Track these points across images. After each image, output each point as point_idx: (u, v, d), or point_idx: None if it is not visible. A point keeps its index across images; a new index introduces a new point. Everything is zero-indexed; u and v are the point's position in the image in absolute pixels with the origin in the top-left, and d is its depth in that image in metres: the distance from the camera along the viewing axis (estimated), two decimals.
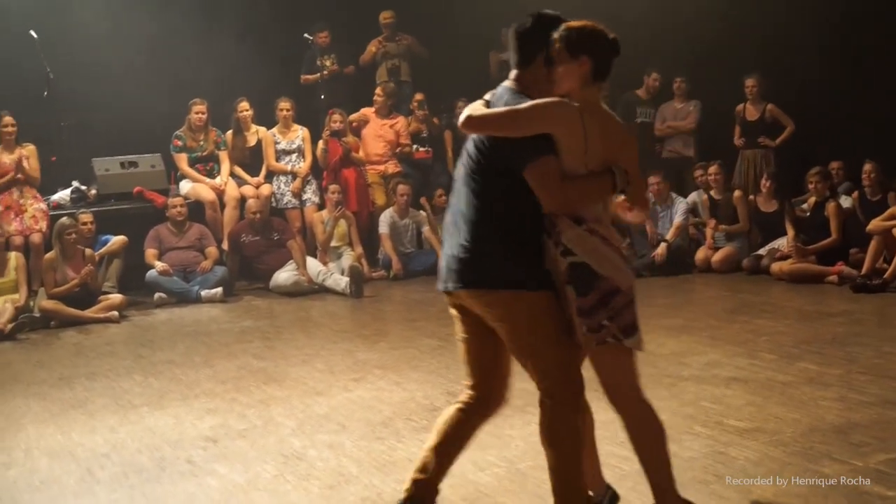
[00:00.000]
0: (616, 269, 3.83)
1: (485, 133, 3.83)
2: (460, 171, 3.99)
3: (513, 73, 3.97)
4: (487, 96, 3.98)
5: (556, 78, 3.84)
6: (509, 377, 4.10)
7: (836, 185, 10.59)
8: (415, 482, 4.07)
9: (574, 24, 3.87)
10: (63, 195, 11.00)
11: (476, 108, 3.88)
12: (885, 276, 8.98)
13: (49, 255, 9.72)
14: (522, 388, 6.02)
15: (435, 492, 4.11)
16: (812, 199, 10.09)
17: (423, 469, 4.07)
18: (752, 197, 10.87)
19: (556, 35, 3.82)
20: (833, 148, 11.14)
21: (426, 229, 11.29)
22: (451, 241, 3.94)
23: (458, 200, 3.95)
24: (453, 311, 4.04)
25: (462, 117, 3.85)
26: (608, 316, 3.78)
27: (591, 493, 4.17)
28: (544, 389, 3.88)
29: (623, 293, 3.81)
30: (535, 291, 3.81)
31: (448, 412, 4.09)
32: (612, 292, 3.78)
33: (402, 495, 4.09)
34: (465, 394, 4.07)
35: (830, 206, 9.85)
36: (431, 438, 4.10)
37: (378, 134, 11.90)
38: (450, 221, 4.00)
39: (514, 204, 3.83)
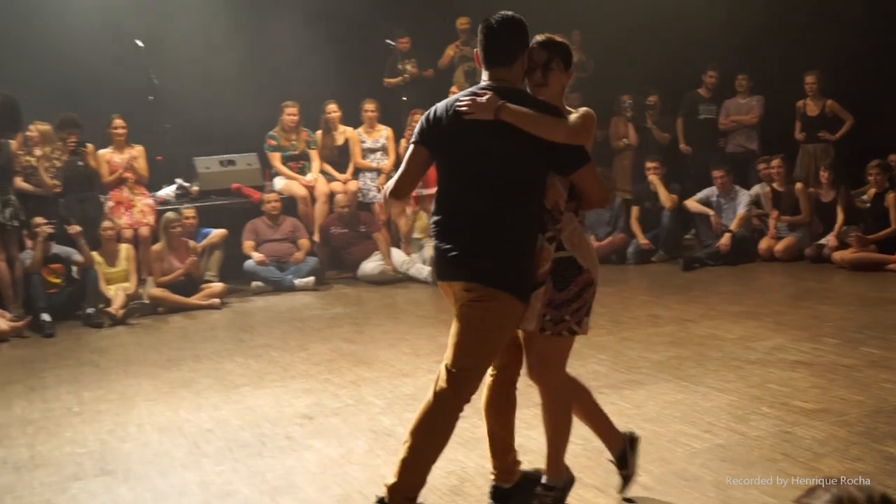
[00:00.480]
0: (594, 264, 3.95)
1: (546, 136, 3.73)
2: (478, 171, 3.82)
3: (492, 73, 3.91)
4: (476, 90, 3.85)
5: (549, 83, 3.88)
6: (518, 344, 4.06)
7: (894, 177, 10.34)
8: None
9: (559, 38, 3.97)
10: (168, 191, 11.15)
11: (524, 110, 3.74)
12: None
13: (156, 246, 9.88)
14: (595, 370, 6.02)
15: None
16: (871, 191, 9.89)
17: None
18: (812, 189, 10.67)
19: (548, 48, 3.90)
20: (892, 141, 10.89)
21: None
22: (463, 238, 3.83)
23: (475, 200, 3.82)
24: (450, 296, 3.96)
25: (512, 113, 3.71)
26: (573, 310, 3.85)
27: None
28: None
29: (594, 285, 3.91)
30: (523, 304, 3.82)
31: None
32: (588, 284, 3.88)
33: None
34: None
35: (890, 197, 9.65)
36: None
37: None
38: (461, 216, 3.86)
39: (534, 208, 3.83)
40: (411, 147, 4.01)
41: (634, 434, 4.31)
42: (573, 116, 3.81)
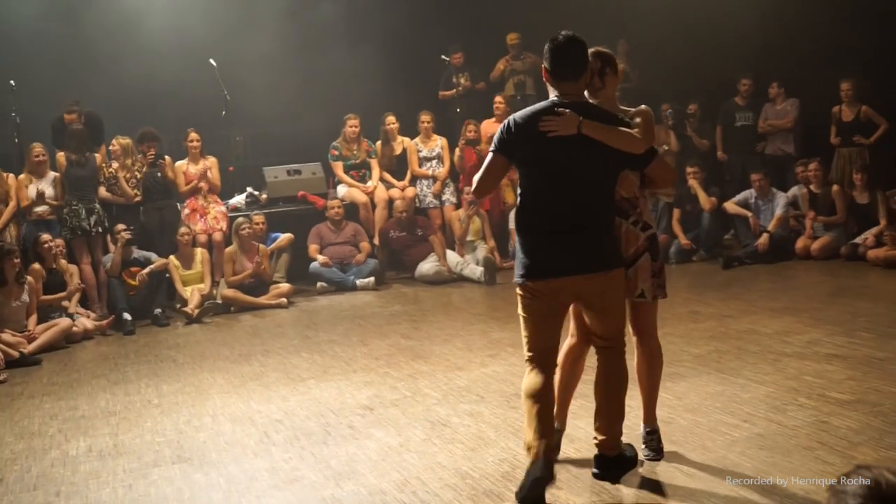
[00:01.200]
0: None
1: (626, 149, 4.08)
2: (563, 165, 4.08)
3: (560, 87, 4.17)
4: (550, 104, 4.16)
5: (605, 87, 4.27)
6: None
7: None
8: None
9: (604, 49, 4.35)
10: (239, 199, 11.26)
11: (607, 127, 4.07)
12: None
13: (229, 249, 9.97)
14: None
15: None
16: None
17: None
18: (848, 191, 10.48)
19: (600, 57, 4.28)
20: None
21: None
22: (571, 228, 4.08)
23: (575, 196, 4.09)
24: (547, 297, 4.15)
25: (592, 129, 4.03)
26: (665, 276, 4.39)
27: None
28: (616, 339, 4.27)
29: (664, 256, 4.35)
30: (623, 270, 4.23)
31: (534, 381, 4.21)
32: (664, 255, 4.24)
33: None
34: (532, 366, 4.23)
35: None
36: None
37: None
38: (566, 217, 4.10)
39: (613, 198, 4.22)
40: (491, 155, 4.25)
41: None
42: (637, 120, 4.16)
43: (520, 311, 4.26)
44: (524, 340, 4.26)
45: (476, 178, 4.30)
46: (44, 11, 11.38)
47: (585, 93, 4.24)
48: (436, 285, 10.33)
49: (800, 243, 10.35)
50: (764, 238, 10.24)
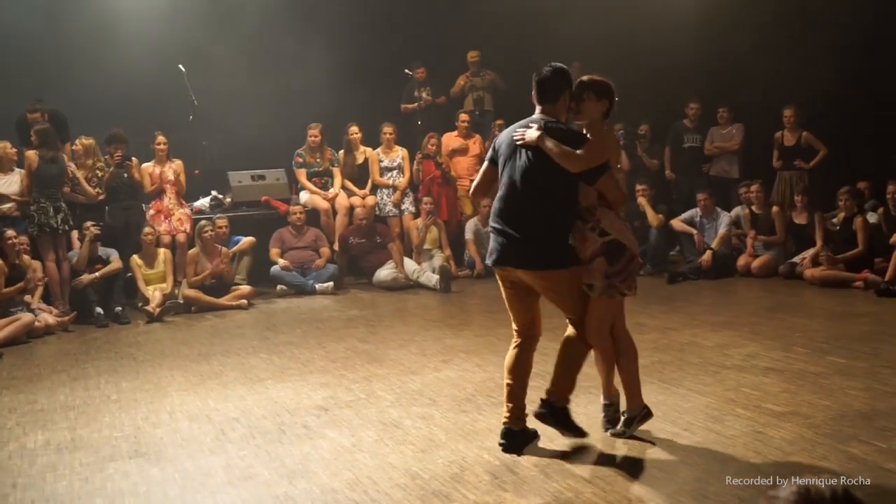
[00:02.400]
0: (634, 243, 4.81)
1: (566, 166, 4.51)
2: (522, 170, 4.62)
3: (542, 108, 4.73)
4: (530, 122, 4.72)
5: (583, 110, 4.70)
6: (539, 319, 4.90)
7: (863, 202, 10.29)
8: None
9: (595, 77, 4.75)
10: (203, 202, 11.16)
11: (556, 144, 4.53)
12: None
13: (191, 251, 9.87)
14: (585, 372, 5.99)
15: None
16: (841, 215, 9.82)
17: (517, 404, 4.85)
18: (788, 212, 10.65)
19: (581, 85, 4.71)
20: (862, 169, 10.86)
21: None
22: (515, 226, 4.62)
23: (523, 199, 4.61)
24: (503, 281, 4.80)
25: (545, 144, 4.54)
26: (622, 278, 4.68)
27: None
28: (575, 324, 4.80)
29: (636, 259, 4.81)
30: (571, 269, 4.65)
31: (510, 356, 4.85)
32: (632, 258, 4.73)
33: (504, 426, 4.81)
34: (515, 338, 4.87)
35: (858, 221, 9.59)
36: (507, 379, 4.85)
37: (462, 151, 11.87)
38: (512, 208, 4.66)
39: (569, 202, 4.63)
40: (485, 164, 4.96)
41: (650, 410, 4.95)
42: (589, 141, 4.58)
43: None
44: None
45: (474, 183, 5.04)
46: (14, 11, 11.19)
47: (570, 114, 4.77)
48: (393, 291, 10.30)
49: (741, 261, 10.48)
50: (707, 255, 10.36)
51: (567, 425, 4.86)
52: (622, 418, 4.95)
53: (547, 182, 4.59)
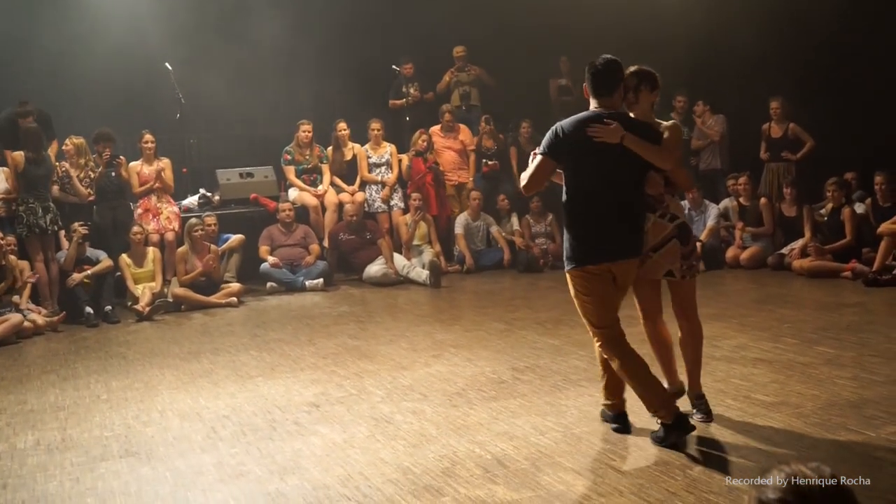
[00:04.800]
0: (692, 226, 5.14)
1: (658, 164, 4.66)
2: (611, 167, 4.63)
3: (599, 101, 4.72)
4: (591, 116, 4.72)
5: (639, 101, 4.77)
6: None
7: (851, 193, 10.35)
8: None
9: (646, 68, 4.84)
10: (192, 200, 11.13)
11: (644, 143, 4.64)
12: (895, 272, 8.74)
13: (180, 249, 9.85)
14: (576, 366, 6.00)
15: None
16: (829, 206, 9.87)
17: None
18: (777, 203, 10.68)
19: (637, 75, 4.79)
20: (849, 160, 10.90)
21: (494, 229, 11.28)
22: (622, 224, 4.68)
23: (617, 194, 4.66)
24: (598, 274, 4.69)
25: (632, 142, 4.61)
26: (696, 257, 4.95)
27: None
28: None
29: (696, 240, 4.85)
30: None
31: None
32: (695, 240, 4.98)
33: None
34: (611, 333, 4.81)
35: (846, 212, 9.64)
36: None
37: (447, 146, 11.90)
38: (611, 211, 4.66)
39: (642, 193, 4.76)
40: (540, 157, 4.77)
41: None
42: (665, 135, 4.73)
43: (577, 293, 4.77)
44: (591, 320, 4.76)
45: (525, 176, 4.85)
46: None
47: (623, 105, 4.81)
48: (383, 287, 10.30)
49: (730, 253, 10.52)
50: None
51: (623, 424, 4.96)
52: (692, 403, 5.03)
53: (631, 176, 4.68)
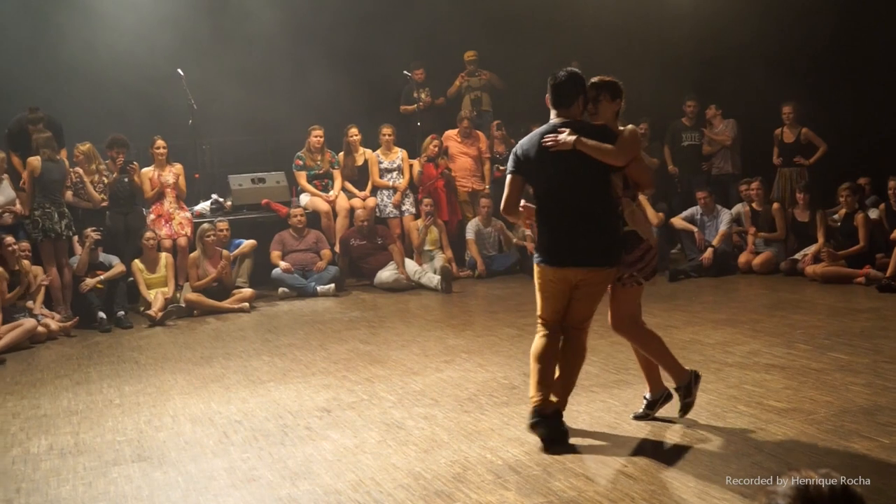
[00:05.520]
0: (651, 234, 4.95)
1: (608, 162, 4.70)
2: (566, 175, 4.73)
3: (558, 112, 4.88)
4: (547, 128, 4.84)
5: (599, 112, 4.85)
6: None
7: (864, 198, 10.32)
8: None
9: (606, 78, 4.90)
10: (204, 205, 11.17)
11: (595, 143, 4.68)
12: None
13: (193, 254, 9.88)
14: (587, 371, 6.00)
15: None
16: (843, 211, 9.84)
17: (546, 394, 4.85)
18: (789, 209, 10.65)
19: (596, 87, 4.85)
20: (862, 165, 10.87)
21: (506, 232, 11.29)
22: (579, 230, 4.73)
23: (578, 202, 4.75)
24: (554, 281, 4.80)
25: (584, 145, 4.66)
26: (639, 268, 4.82)
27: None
28: (585, 325, 4.97)
29: (653, 249, 4.87)
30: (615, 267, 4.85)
31: (539, 345, 4.87)
32: (648, 249, 4.82)
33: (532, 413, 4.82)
34: (542, 329, 4.92)
35: (859, 217, 9.60)
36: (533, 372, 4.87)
37: (462, 151, 11.91)
38: (571, 221, 4.75)
39: (610, 196, 4.80)
40: (510, 177, 4.96)
41: (698, 372, 5.14)
42: (622, 135, 4.76)
43: (536, 280, 4.92)
44: (539, 306, 4.92)
45: (503, 199, 4.99)
46: (10, 16, 11.21)
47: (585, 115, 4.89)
48: (394, 292, 10.31)
49: (742, 258, 10.49)
50: (708, 252, 10.36)
51: (563, 431, 4.86)
52: (644, 401, 5.17)
53: (592, 181, 4.75)
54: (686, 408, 5.08)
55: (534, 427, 4.77)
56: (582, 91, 4.85)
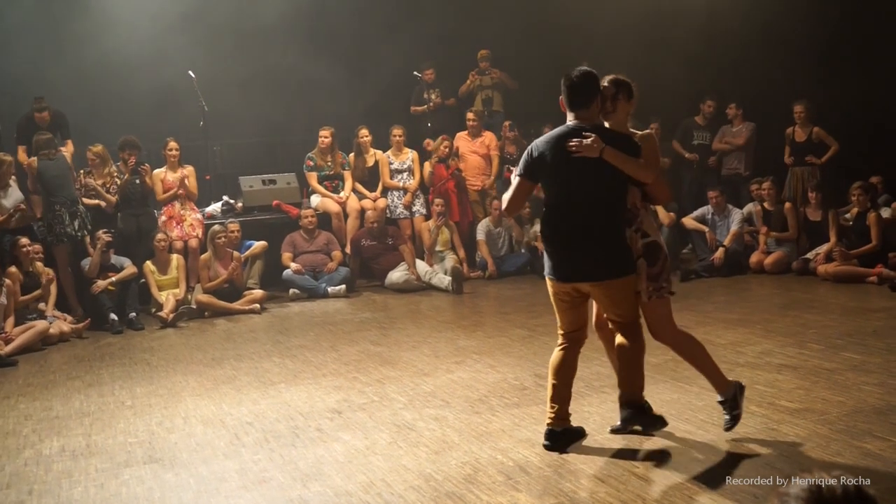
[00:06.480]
0: (660, 238, 4.79)
1: (637, 177, 4.59)
2: (583, 182, 4.57)
3: (575, 114, 4.67)
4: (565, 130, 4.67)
5: (616, 111, 4.68)
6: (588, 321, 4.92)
7: (876, 197, 10.26)
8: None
9: (622, 77, 4.74)
10: (215, 207, 11.20)
11: (623, 156, 4.54)
12: None
13: (204, 256, 9.91)
14: (598, 372, 5.99)
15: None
16: (855, 210, 9.79)
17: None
18: (801, 208, 10.61)
19: (615, 85, 4.68)
20: (874, 164, 10.81)
21: (516, 231, 11.27)
22: (587, 243, 4.59)
23: (592, 211, 4.59)
24: (562, 293, 4.73)
25: (612, 156, 4.51)
26: (665, 278, 4.69)
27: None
28: (623, 327, 4.77)
29: (668, 258, 4.72)
30: (631, 275, 4.66)
31: (557, 357, 4.80)
32: (666, 259, 4.68)
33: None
34: (562, 340, 4.84)
35: (871, 216, 9.56)
36: (552, 380, 4.79)
37: (472, 150, 11.90)
38: (579, 227, 4.60)
39: (623, 208, 4.64)
40: (517, 179, 4.78)
41: (741, 383, 4.90)
42: (643, 144, 4.64)
43: (550, 294, 4.84)
44: (557, 318, 4.86)
45: (505, 198, 4.86)
46: (28, 22, 11.26)
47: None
48: (405, 293, 10.31)
49: (754, 258, 10.44)
50: (720, 252, 10.33)
51: (652, 420, 4.88)
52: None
53: (609, 192, 4.60)
54: (734, 420, 4.74)
55: (548, 449, 4.73)
56: (598, 90, 4.69)
